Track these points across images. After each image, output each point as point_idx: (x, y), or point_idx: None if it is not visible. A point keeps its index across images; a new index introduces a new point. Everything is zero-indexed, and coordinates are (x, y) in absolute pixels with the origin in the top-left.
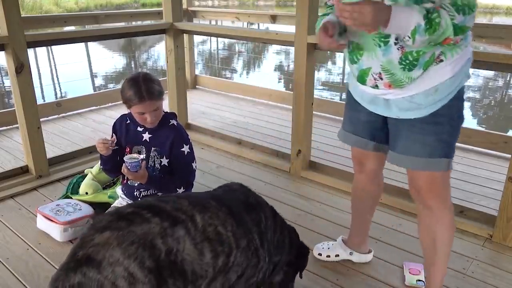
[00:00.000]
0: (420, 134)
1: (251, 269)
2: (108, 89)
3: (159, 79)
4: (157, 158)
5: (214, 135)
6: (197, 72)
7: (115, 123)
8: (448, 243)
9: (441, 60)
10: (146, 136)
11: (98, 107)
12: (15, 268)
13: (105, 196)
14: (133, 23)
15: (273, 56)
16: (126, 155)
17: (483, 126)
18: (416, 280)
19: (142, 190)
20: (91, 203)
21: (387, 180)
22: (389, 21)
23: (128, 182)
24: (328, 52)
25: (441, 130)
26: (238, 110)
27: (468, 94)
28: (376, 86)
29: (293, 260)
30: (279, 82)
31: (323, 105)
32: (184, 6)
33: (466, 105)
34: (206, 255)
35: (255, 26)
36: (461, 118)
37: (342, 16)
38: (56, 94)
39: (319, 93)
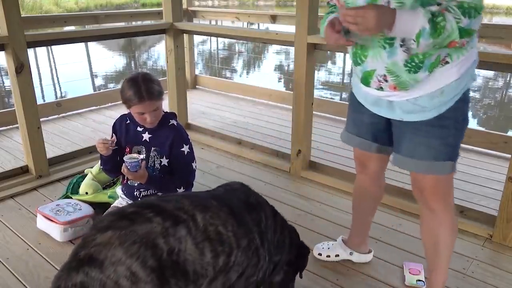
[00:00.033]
0: (425, 137)
1: (252, 269)
2: (108, 89)
3: (159, 79)
4: (157, 158)
5: (214, 135)
6: (197, 72)
7: (115, 123)
8: (451, 246)
9: (447, 62)
10: (146, 136)
11: (98, 107)
12: (15, 268)
13: (105, 196)
14: (133, 23)
15: (273, 56)
16: (126, 155)
17: (483, 126)
18: (416, 280)
19: (142, 190)
20: (91, 203)
21: (387, 180)
22: (394, 25)
23: (128, 182)
24: (328, 52)
25: (446, 133)
26: (238, 110)
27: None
28: (380, 88)
29: (293, 259)
30: (279, 82)
31: (323, 105)
32: (184, 6)
33: None
34: (207, 254)
35: (255, 26)
36: (466, 121)
37: (345, 21)
38: (56, 94)
39: (319, 93)
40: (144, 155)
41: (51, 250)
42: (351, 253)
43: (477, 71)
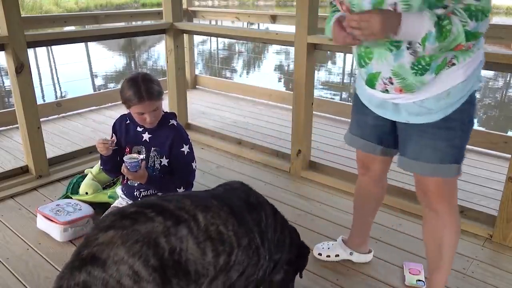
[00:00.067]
0: (431, 140)
1: (252, 268)
2: (108, 89)
3: (159, 79)
4: (157, 158)
5: (214, 135)
6: (197, 72)
7: (114, 123)
8: (454, 247)
9: (453, 64)
10: (146, 136)
11: (98, 107)
12: (15, 268)
13: (105, 196)
14: (133, 23)
15: (273, 56)
16: (126, 155)
17: (483, 126)
18: (416, 280)
19: (142, 190)
20: (91, 203)
21: (387, 180)
22: (399, 29)
23: (128, 182)
24: (328, 52)
25: (453, 135)
26: (238, 110)
27: None
28: (386, 91)
29: (293, 259)
30: (279, 82)
31: (323, 105)
32: (184, 6)
33: None
34: (208, 254)
35: (255, 26)
36: (472, 123)
37: (350, 26)
38: (56, 94)
39: (319, 93)
40: (144, 155)
41: (51, 250)
42: (351, 253)
43: None
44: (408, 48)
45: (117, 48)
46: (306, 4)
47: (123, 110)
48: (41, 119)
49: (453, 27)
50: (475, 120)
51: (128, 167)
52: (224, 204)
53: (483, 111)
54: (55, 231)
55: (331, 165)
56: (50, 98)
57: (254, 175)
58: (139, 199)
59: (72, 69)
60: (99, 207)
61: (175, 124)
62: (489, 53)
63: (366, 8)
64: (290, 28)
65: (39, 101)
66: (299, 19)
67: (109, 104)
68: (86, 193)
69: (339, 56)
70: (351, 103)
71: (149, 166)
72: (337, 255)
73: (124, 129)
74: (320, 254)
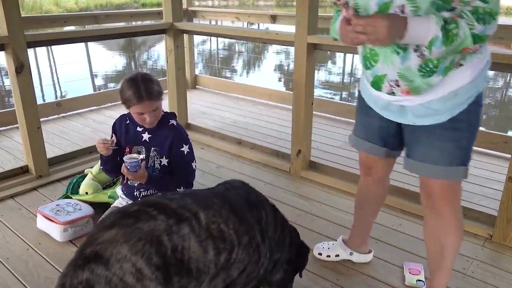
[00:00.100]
0: (439, 141)
1: (252, 265)
2: (108, 89)
3: (159, 79)
4: (157, 158)
5: (214, 135)
6: (197, 72)
7: (114, 123)
8: (457, 249)
9: (461, 65)
10: (146, 136)
11: (98, 107)
12: (15, 268)
13: (105, 196)
14: (133, 23)
15: (273, 56)
16: (126, 155)
17: (483, 126)
18: (416, 280)
19: (142, 190)
20: (91, 203)
21: None
22: (405, 33)
23: (128, 182)
24: (328, 52)
25: (460, 136)
26: (238, 110)
27: None
28: (392, 93)
29: (293, 258)
30: (279, 82)
31: (323, 105)
32: (184, 6)
33: None
34: (210, 252)
35: (255, 26)
36: (478, 124)
37: (355, 31)
38: (56, 94)
39: (319, 93)
40: (144, 155)
41: (51, 250)
42: (351, 253)
43: None
44: (415, 51)
45: (117, 48)
46: (306, 4)
47: (123, 110)
48: (41, 119)
49: (460, 31)
50: None
51: (128, 167)
52: (225, 202)
53: (483, 111)
54: (55, 231)
55: (331, 165)
56: (50, 98)
57: (254, 175)
58: (139, 199)
59: (72, 69)
60: (99, 207)
61: (175, 124)
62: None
63: (372, 10)
64: (290, 28)
65: (39, 101)
66: (299, 19)
67: (109, 104)
68: (86, 193)
69: (339, 56)
70: (351, 103)
71: (149, 166)
72: (337, 255)
73: (124, 129)
74: (320, 254)
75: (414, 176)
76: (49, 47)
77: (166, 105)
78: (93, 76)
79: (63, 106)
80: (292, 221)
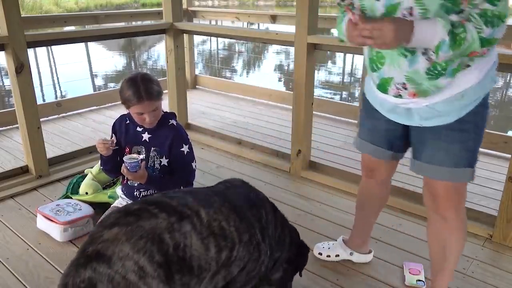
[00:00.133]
0: (445, 142)
1: (253, 263)
2: (108, 89)
3: (159, 79)
4: (157, 158)
5: (214, 135)
6: (197, 72)
7: (114, 123)
8: (460, 251)
9: (468, 66)
10: (146, 136)
11: (98, 107)
12: (15, 268)
13: (105, 196)
14: (133, 23)
15: (273, 56)
16: (126, 155)
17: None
18: (416, 280)
19: (142, 190)
20: (91, 203)
21: None
22: (411, 37)
23: (128, 182)
24: (328, 52)
25: (466, 137)
26: (238, 110)
27: None
28: (399, 96)
29: (292, 257)
30: (279, 82)
31: (323, 105)
32: (184, 6)
33: None
34: (211, 250)
35: (255, 26)
36: (484, 126)
37: (362, 36)
38: (56, 94)
39: (319, 93)
40: (144, 155)
41: (51, 250)
42: (351, 253)
43: None
44: (423, 54)
45: (117, 48)
46: (306, 4)
47: (123, 110)
48: (41, 119)
49: (468, 35)
50: None
51: (128, 167)
52: (225, 200)
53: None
54: (55, 231)
55: (331, 165)
56: (50, 98)
57: (254, 175)
58: (139, 199)
59: (72, 69)
60: (99, 207)
61: (175, 124)
62: None
63: (379, 12)
64: (290, 28)
65: (39, 101)
66: (299, 19)
67: (109, 104)
68: (86, 193)
69: (339, 56)
70: (351, 103)
71: (149, 166)
72: (337, 255)
73: (124, 129)
74: (320, 254)
75: (414, 176)
76: (49, 47)
77: (166, 105)
78: (93, 76)
79: (63, 106)
80: (292, 221)
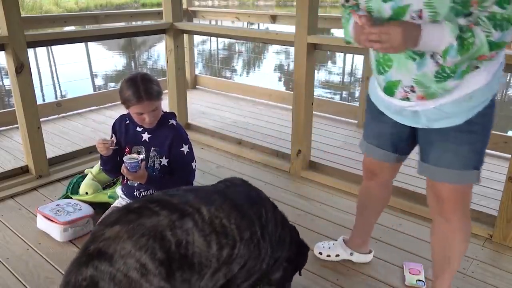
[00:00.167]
0: (454, 144)
1: (253, 261)
2: (108, 89)
3: (159, 79)
4: (157, 158)
5: (214, 135)
6: (197, 72)
7: (114, 123)
8: (463, 253)
9: (477, 67)
10: (146, 136)
11: (98, 107)
12: (15, 268)
13: (105, 196)
14: (133, 23)
15: (273, 56)
16: (126, 155)
17: None
18: (416, 280)
19: (142, 190)
20: (91, 203)
21: None
22: (419, 41)
23: (128, 182)
24: (328, 52)
25: (475, 139)
26: (238, 110)
27: None
28: (406, 99)
29: (292, 257)
30: (279, 82)
31: (323, 105)
32: (184, 6)
33: None
34: (213, 247)
35: (255, 26)
36: (491, 127)
37: (369, 40)
38: (56, 94)
39: (319, 93)
40: (144, 155)
41: (51, 250)
42: (351, 254)
43: None
44: (432, 57)
45: (117, 48)
46: (306, 4)
47: (123, 110)
48: (41, 119)
49: (476, 39)
50: None
51: (128, 168)
52: (226, 198)
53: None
54: (55, 231)
55: (331, 165)
56: (50, 98)
57: (254, 175)
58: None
59: (72, 69)
60: (99, 207)
61: (175, 123)
62: None
63: (386, 13)
64: (290, 28)
65: (39, 101)
66: (299, 19)
67: (109, 104)
68: (86, 193)
69: (339, 56)
70: (351, 103)
71: (148, 166)
72: (337, 255)
73: (123, 129)
74: (320, 253)
75: (414, 176)
76: (49, 47)
77: (166, 105)
78: (93, 76)
79: (63, 106)
80: (292, 221)
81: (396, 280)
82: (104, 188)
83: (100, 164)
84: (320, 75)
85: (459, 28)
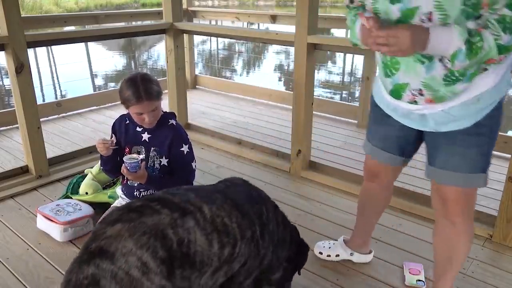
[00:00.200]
0: (461, 147)
1: (254, 259)
2: (108, 89)
3: (159, 79)
4: (157, 158)
5: (214, 135)
6: (197, 72)
7: (114, 123)
8: (466, 255)
9: (486, 69)
10: (146, 136)
11: (98, 107)
12: (15, 268)
13: (105, 196)
14: (133, 23)
15: (273, 56)
16: (126, 155)
17: None
18: (416, 280)
19: (142, 190)
20: (91, 203)
21: None
22: (427, 45)
23: (128, 182)
24: (328, 52)
25: (483, 141)
26: (238, 110)
27: None
28: (414, 102)
29: (292, 256)
30: (279, 82)
31: (323, 105)
32: (184, 6)
33: None
34: (215, 246)
35: (255, 26)
36: (498, 130)
37: (377, 43)
38: (56, 94)
39: (319, 93)
40: (144, 155)
41: (51, 250)
42: (351, 254)
43: None
44: (440, 61)
45: (117, 48)
46: (306, 4)
47: (123, 110)
48: (41, 119)
49: (485, 43)
50: None
51: (128, 168)
52: (227, 197)
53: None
54: (55, 231)
55: (331, 165)
56: (50, 98)
57: (254, 175)
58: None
59: (72, 69)
60: (99, 207)
61: (175, 123)
62: None
63: (394, 15)
64: (290, 28)
65: (39, 101)
66: (299, 19)
67: (109, 104)
68: (86, 193)
69: (339, 56)
70: (351, 103)
71: (148, 166)
72: (337, 255)
73: (123, 129)
74: (320, 253)
75: (414, 176)
76: (49, 47)
77: (166, 105)
78: (93, 76)
79: (63, 106)
80: (292, 221)
81: (396, 280)
82: (104, 188)
83: (100, 164)
84: (320, 75)
85: (468, 32)
